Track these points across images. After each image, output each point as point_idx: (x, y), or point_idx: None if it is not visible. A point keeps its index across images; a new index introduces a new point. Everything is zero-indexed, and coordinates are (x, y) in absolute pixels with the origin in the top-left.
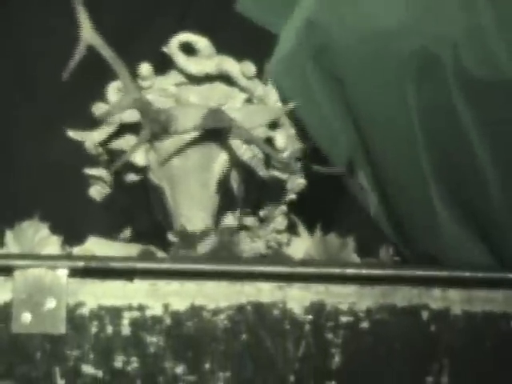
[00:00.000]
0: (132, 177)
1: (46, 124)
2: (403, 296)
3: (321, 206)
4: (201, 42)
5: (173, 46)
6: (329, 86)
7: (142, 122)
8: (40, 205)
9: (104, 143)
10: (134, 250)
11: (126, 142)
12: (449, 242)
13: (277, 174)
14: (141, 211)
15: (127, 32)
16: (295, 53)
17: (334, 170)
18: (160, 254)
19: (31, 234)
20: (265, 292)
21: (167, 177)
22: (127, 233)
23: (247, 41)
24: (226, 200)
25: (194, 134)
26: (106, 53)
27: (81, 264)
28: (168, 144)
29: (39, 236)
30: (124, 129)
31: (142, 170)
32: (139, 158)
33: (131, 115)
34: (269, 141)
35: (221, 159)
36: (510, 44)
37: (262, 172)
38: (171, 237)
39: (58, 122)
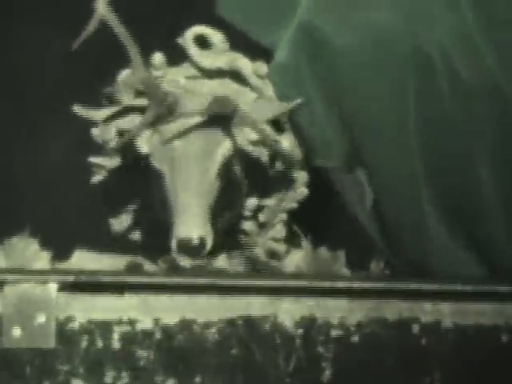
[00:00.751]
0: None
1: (35, 138)
2: (394, 309)
3: (311, 219)
4: (215, 36)
5: (187, 38)
6: (324, 89)
7: (148, 102)
8: (30, 220)
9: (109, 121)
10: (121, 262)
11: (132, 122)
12: (437, 250)
13: (280, 167)
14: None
15: (144, 21)
16: (291, 58)
17: (333, 165)
18: (147, 265)
19: (21, 249)
20: (255, 306)
21: (168, 161)
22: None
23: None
24: (229, 190)
25: (199, 119)
26: (118, 29)
27: (70, 278)
28: (172, 127)
29: (29, 251)
30: (131, 111)
31: (145, 159)
32: (143, 144)
33: (138, 97)
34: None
35: (224, 146)
36: (496, 46)
37: (265, 160)
38: (173, 246)
39: (48, 136)
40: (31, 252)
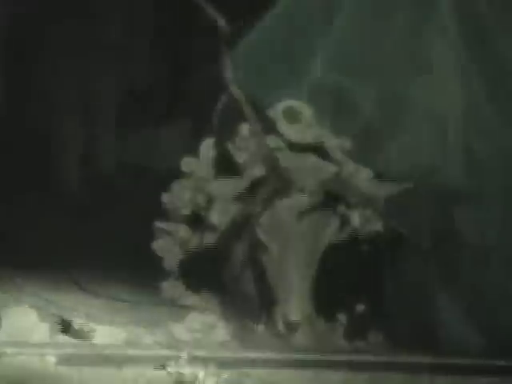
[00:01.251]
0: (209, 238)
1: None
2: (392, 382)
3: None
4: (305, 110)
5: (277, 111)
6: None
7: (268, 177)
8: (30, 291)
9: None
10: (120, 334)
11: (223, 188)
12: (441, 322)
13: None
14: None
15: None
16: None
17: None
18: (147, 338)
19: (20, 321)
20: (254, 377)
21: (278, 237)
22: None
23: None
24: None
25: (313, 197)
26: (247, 109)
27: (69, 351)
28: (284, 203)
29: (28, 323)
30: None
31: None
32: (215, 217)
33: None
34: (344, 218)
35: (333, 227)
36: (507, 120)
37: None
38: (280, 326)
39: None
40: (30, 324)
